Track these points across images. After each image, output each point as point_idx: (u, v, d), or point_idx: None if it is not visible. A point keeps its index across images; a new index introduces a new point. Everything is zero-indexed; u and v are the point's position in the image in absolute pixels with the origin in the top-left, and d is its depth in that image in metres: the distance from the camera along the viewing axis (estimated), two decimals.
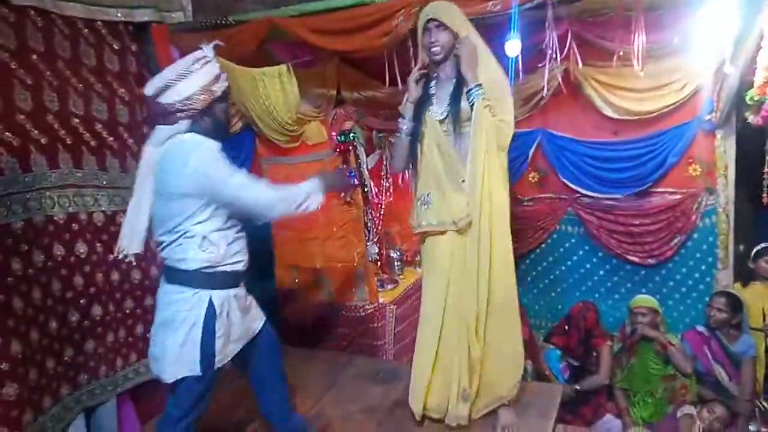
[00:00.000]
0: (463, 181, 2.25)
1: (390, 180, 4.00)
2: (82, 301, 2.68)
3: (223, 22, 2.95)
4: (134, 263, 2.78)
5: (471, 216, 2.24)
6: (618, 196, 3.56)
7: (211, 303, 1.97)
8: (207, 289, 1.98)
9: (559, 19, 2.82)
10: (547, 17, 2.63)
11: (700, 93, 3.13)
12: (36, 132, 2.48)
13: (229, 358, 2.06)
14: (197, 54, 1.92)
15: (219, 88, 1.95)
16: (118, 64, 2.87)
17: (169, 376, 1.98)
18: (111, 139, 2.83)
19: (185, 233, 1.94)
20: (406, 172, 3.96)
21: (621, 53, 2.83)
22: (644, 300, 3.41)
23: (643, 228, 3.52)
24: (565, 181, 3.71)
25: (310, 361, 3.44)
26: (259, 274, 3.72)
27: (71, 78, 2.65)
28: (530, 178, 3.88)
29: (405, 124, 2.38)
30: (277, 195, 1.99)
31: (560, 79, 3.29)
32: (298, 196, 2.02)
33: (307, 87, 3.16)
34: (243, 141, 3.55)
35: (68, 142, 2.63)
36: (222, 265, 1.99)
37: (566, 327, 3.69)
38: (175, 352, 1.96)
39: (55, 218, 2.57)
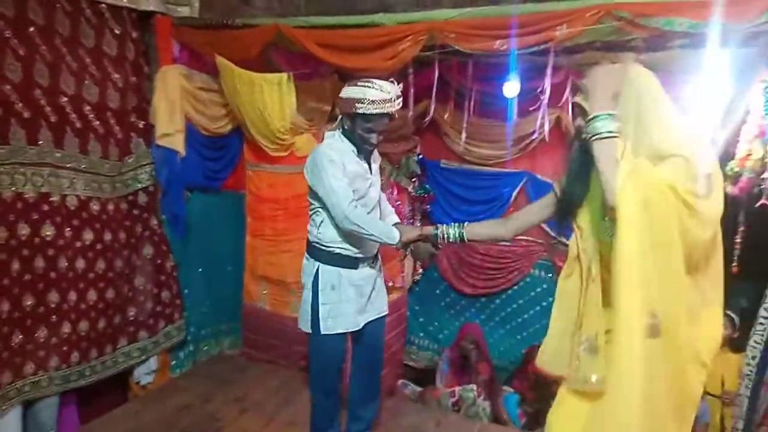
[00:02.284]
0: None
1: None
2: (40, 286, 2.56)
3: (229, 22, 2.94)
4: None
5: None
6: None
7: (318, 273, 2.28)
8: (316, 261, 2.30)
9: (558, 68, 2.90)
10: (548, 63, 2.70)
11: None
12: (20, 105, 2.41)
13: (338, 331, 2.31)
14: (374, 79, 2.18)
15: (363, 109, 2.12)
16: (117, 49, 2.83)
17: None
18: (97, 123, 2.76)
19: (314, 213, 2.30)
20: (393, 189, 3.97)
21: None
22: None
23: None
24: (543, 226, 3.75)
25: (267, 377, 3.35)
26: (226, 281, 3.65)
27: (66, 56, 2.59)
28: None
29: None
30: (361, 215, 2.18)
31: (551, 125, 3.36)
32: (374, 231, 2.18)
33: (302, 99, 3.15)
34: (230, 143, 3.50)
35: (52, 120, 2.55)
36: (329, 246, 2.26)
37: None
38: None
39: (26, 196, 2.47)
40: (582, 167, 1.63)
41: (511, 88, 3.13)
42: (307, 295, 2.34)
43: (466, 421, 3.24)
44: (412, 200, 4.10)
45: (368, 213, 2.29)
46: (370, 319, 2.43)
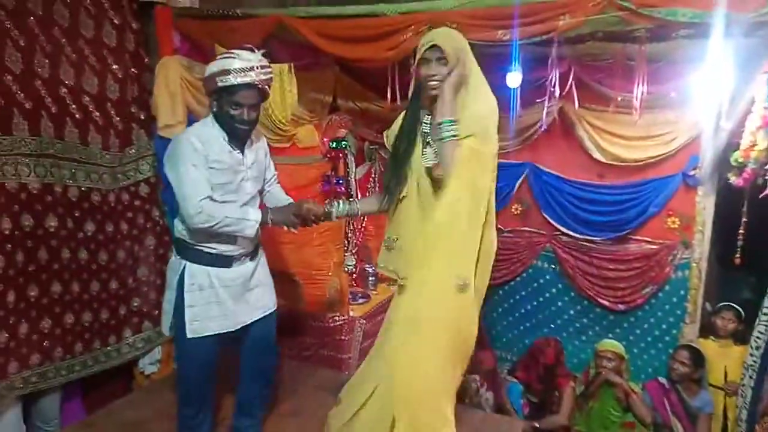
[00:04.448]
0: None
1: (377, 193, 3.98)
2: (43, 277, 2.57)
3: (230, 13, 2.92)
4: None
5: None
6: (596, 238, 3.60)
7: (183, 272, 2.11)
8: (183, 259, 2.12)
9: (561, 58, 2.88)
10: (550, 54, 2.67)
11: (687, 148, 3.21)
12: (21, 95, 2.40)
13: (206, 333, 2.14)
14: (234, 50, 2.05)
15: (225, 81, 1.97)
16: (116, 40, 2.81)
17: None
18: (97, 114, 2.76)
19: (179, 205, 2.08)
20: None
21: (620, 99, 2.89)
22: (611, 345, 3.44)
23: (617, 273, 3.57)
24: (546, 216, 3.75)
25: None
26: None
27: (66, 47, 2.58)
28: (513, 210, 3.91)
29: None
30: (214, 208, 2.02)
31: (554, 116, 3.34)
32: (231, 221, 2.04)
33: (303, 90, 3.14)
34: None
35: (53, 111, 2.55)
36: (197, 244, 2.10)
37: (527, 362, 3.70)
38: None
39: (29, 187, 2.47)
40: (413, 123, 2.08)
41: (514, 78, 3.11)
42: (171, 294, 2.15)
43: (470, 410, 3.25)
44: None
45: (240, 207, 2.12)
46: (255, 319, 2.25)
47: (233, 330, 2.20)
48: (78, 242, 2.71)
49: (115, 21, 2.79)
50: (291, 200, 2.37)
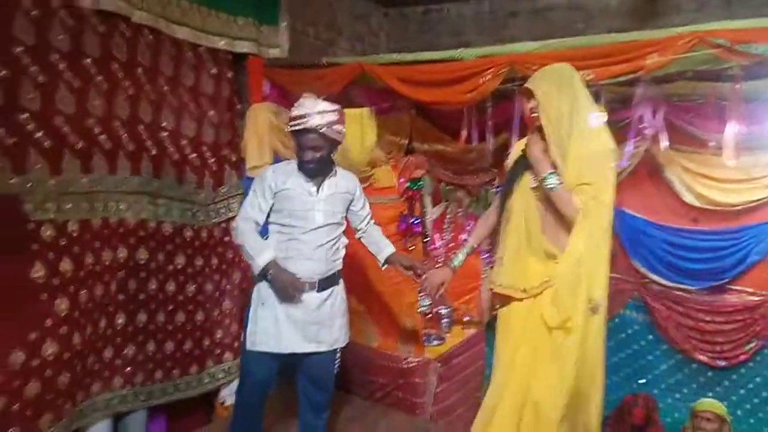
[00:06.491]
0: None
1: (451, 233, 3.94)
2: (131, 307, 2.73)
3: (316, 62, 3.09)
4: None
5: (548, 285, 2.10)
6: (690, 287, 3.34)
7: (256, 288, 2.33)
8: (259, 280, 2.32)
9: (648, 99, 2.78)
10: (636, 94, 2.59)
11: None
12: (126, 138, 2.63)
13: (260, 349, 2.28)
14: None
15: (289, 127, 2.26)
16: (213, 88, 3.05)
17: None
18: (194, 155, 2.97)
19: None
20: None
21: (712, 141, 2.74)
22: (711, 404, 3.12)
23: (715, 326, 3.27)
24: (635, 263, 3.53)
25: (342, 406, 3.34)
26: None
27: (168, 94, 2.82)
28: None
29: None
30: (245, 230, 2.28)
31: (640, 157, 3.20)
32: (248, 248, 2.28)
33: (381, 132, 3.23)
34: None
35: (153, 153, 2.77)
36: None
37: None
38: None
39: (127, 221, 2.67)
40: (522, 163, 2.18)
41: (599, 119, 3.03)
42: (247, 309, 2.38)
43: None
44: (492, 233, 4.03)
45: (305, 233, 2.27)
46: (307, 352, 2.32)
47: (285, 354, 2.30)
48: (167, 274, 2.87)
49: (213, 71, 3.04)
50: (390, 248, 2.56)
